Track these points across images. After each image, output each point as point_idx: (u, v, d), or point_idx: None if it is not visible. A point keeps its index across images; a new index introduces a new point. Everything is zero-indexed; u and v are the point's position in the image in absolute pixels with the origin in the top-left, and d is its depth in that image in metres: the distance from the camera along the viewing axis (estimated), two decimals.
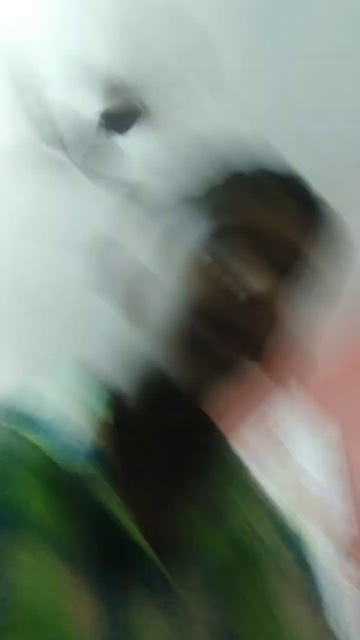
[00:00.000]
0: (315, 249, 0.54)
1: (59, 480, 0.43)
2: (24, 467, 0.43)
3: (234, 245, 0.50)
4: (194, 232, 0.52)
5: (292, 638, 0.46)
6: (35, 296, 2.23)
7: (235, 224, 0.51)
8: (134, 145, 1.57)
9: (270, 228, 0.51)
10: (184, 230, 0.53)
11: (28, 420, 0.47)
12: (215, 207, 0.52)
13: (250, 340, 0.48)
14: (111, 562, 0.41)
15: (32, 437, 0.45)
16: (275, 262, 0.50)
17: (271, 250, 0.50)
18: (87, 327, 1.42)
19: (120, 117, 1.51)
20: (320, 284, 0.55)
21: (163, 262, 0.54)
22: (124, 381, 0.52)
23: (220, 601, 0.45)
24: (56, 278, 2.06)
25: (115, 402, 0.50)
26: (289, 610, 0.47)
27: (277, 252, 0.50)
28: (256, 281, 0.48)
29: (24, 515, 0.39)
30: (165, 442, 0.50)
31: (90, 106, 1.51)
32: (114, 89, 1.45)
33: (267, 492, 0.58)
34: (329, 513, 1.92)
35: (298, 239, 0.52)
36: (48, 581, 0.37)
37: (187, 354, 0.47)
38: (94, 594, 0.39)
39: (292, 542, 0.54)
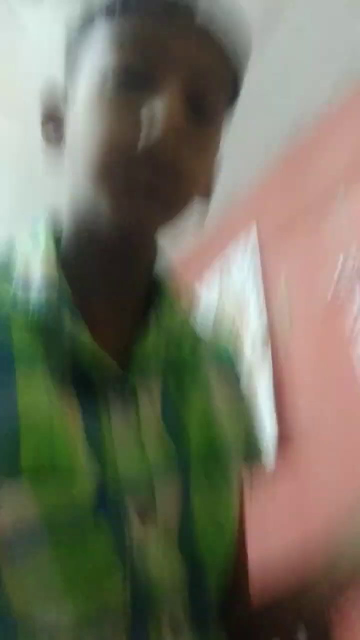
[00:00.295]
0: (232, 88, 0.53)
1: (32, 319, 0.51)
2: (7, 314, 0.51)
3: (139, 74, 0.49)
4: (99, 54, 0.50)
5: (213, 406, 0.59)
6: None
7: (140, 49, 0.49)
8: None
9: (174, 52, 0.49)
10: (89, 50, 0.52)
11: (5, 270, 0.55)
12: (120, 33, 0.49)
13: (167, 170, 0.48)
14: (83, 376, 0.51)
15: (7, 286, 0.53)
16: (196, 100, 0.50)
17: (191, 83, 0.49)
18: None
19: None
20: (224, 113, 0.54)
21: (72, 95, 0.54)
22: (72, 222, 0.56)
23: (168, 395, 0.56)
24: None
25: (66, 241, 0.56)
26: (215, 387, 0.61)
27: (196, 87, 0.50)
28: (177, 109, 0.47)
29: (18, 354, 0.49)
30: (114, 275, 0.56)
31: None
32: None
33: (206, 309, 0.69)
34: (247, 311, 2.29)
35: (217, 74, 0.51)
36: (42, 397, 0.48)
37: (111, 189, 0.49)
38: (74, 402, 0.50)
39: (226, 348, 0.68)
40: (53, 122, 0.56)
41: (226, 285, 2.49)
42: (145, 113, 0.47)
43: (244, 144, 2.08)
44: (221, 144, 0.56)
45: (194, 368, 0.60)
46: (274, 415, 2.04)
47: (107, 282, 0.56)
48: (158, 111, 0.47)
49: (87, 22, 0.52)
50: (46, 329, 0.51)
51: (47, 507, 0.44)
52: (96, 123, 0.48)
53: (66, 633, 0.45)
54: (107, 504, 0.47)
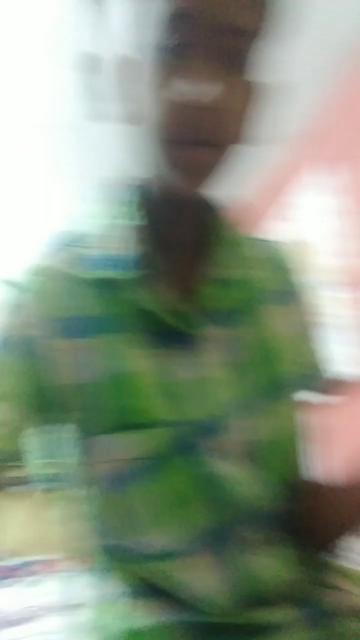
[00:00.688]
0: (265, 26, 0.53)
1: (109, 287, 0.57)
2: (85, 284, 0.58)
3: (187, 37, 0.50)
4: (151, 19, 0.51)
5: (274, 339, 0.63)
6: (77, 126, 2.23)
7: (188, 10, 0.49)
8: None
9: (219, 13, 0.49)
10: (142, 17, 0.52)
11: (84, 241, 0.60)
12: None
13: (221, 134, 0.51)
14: (155, 335, 0.57)
15: (89, 257, 0.59)
16: (228, 54, 0.50)
17: (224, 40, 0.50)
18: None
19: None
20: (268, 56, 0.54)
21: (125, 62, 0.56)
22: (146, 191, 0.61)
23: (230, 338, 0.60)
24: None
25: (143, 210, 0.61)
26: (276, 318, 0.64)
27: (229, 41, 0.50)
28: (210, 85, 0.49)
29: (97, 320, 0.56)
30: (182, 235, 0.62)
31: None
32: None
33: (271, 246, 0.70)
34: (327, 250, 2.23)
35: (248, 22, 0.51)
36: (123, 355, 0.56)
37: (175, 158, 0.53)
38: (149, 356, 0.57)
39: (292, 286, 0.69)
40: (127, 99, 0.57)
41: (295, 228, 2.45)
42: (180, 92, 0.49)
43: (297, 73, 1.99)
44: (262, 87, 0.56)
45: (254, 307, 0.63)
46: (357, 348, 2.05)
47: (177, 241, 0.62)
48: (191, 90, 0.49)
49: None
50: (122, 298, 0.57)
51: (133, 453, 0.53)
52: (151, 102, 0.52)
53: (164, 554, 0.54)
54: (185, 445, 0.55)
